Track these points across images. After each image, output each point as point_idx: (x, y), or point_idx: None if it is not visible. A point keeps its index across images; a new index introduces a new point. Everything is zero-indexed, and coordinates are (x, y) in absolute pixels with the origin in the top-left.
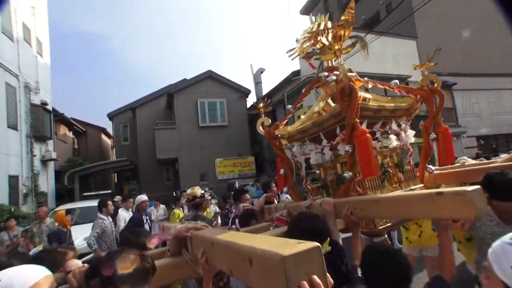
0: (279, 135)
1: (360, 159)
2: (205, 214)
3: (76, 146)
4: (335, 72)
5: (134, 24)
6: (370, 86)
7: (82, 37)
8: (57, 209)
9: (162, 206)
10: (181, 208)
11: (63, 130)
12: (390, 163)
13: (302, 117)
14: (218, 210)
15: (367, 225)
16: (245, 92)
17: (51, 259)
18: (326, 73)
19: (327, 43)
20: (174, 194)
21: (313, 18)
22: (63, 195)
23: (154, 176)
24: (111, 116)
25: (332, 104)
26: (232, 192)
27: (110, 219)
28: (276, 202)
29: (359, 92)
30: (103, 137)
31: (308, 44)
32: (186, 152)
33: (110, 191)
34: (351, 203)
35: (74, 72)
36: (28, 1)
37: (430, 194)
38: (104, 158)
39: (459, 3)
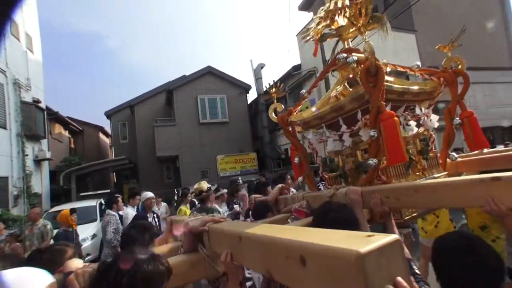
0: (292, 122)
1: (387, 144)
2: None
3: (72, 146)
4: (355, 54)
5: (133, 24)
6: (388, 69)
7: (81, 37)
8: (51, 210)
9: (164, 204)
10: (187, 205)
11: (59, 129)
12: (413, 150)
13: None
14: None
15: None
16: (246, 88)
17: (49, 258)
18: (344, 54)
19: (344, 23)
20: (176, 192)
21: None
22: (58, 196)
23: (154, 174)
24: (109, 115)
25: (350, 89)
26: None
27: (117, 217)
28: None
29: None
30: (101, 136)
31: (323, 24)
32: (186, 149)
33: (109, 191)
34: (383, 192)
35: (73, 72)
36: None
37: (483, 180)
38: (102, 157)
39: None
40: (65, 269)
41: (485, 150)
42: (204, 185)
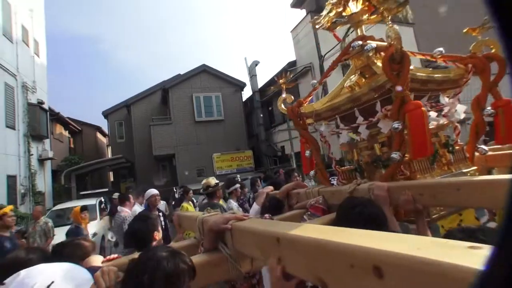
0: (303, 113)
1: (413, 137)
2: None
3: (72, 145)
4: (371, 41)
5: (124, 26)
6: None
7: (75, 41)
8: (54, 208)
9: (163, 202)
10: (190, 202)
11: (59, 129)
12: (437, 143)
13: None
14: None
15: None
16: (241, 86)
17: (69, 252)
18: (359, 42)
19: (357, 10)
20: (174, 190)
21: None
22: (60, 195)
23: (151, 173)
24: (106, 114)
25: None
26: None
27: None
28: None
29: None
30: (98, 135)
31: (336, 10)
32: (183, 148)
33: (107, 189)
34: (417, 188)
35: (69, 74)
36: (27, 4)
37: None
38: (100, 157)
39: None
40: (86, 264)
41: None
42: (212, 180)
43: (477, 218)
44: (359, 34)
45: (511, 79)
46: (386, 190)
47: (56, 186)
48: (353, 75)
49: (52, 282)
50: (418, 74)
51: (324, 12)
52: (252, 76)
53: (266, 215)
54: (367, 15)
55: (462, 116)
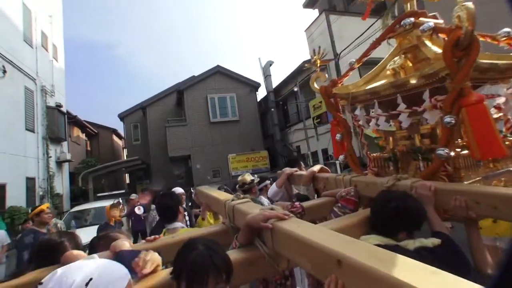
0: (337, 94)
1: (477, 135)
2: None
3: (88, 148)
4: (422, 18)
5: (139, 31)
6: None
7: (90, 46)
8: (72, 210)
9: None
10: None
11: (77, 132)
12: None
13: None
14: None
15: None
16: (255, 86)
17: (103, 244)
18: (412, 19)
19: None
20: (192, 190)
21: None
22: (77, 196)
23: (166, 174)
24: (122, 117)
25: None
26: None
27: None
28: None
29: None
30: (114, 138)
31: None
32: (198, 149)
33: (123, 191)
34: (473, 195)
35: (84, 79)
36: (47, 10)
37: None
38: (115, 159)
39: None
40: (114, 248)
41: None
42: (248, 177)
43: None
44: (409, 8)
45: None
46: (432, 191)
47: (74, 188)
48: (398, 57)
49: (91, 279)
50: (480, 61)
51: None
52: (267, 76)
53: (297, 204)
54: None
55: None
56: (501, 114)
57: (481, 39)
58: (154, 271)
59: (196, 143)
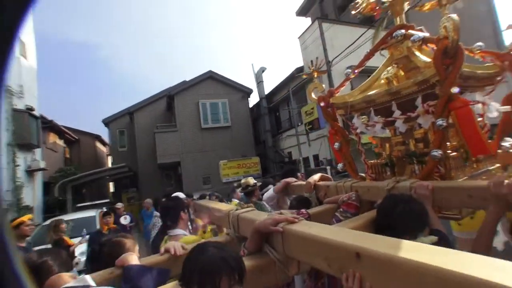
0: (334, 104)
1: (466, 135)
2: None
3: (67, 156)
4: (411, 31)
5: (126, 32)
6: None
7: (72, 47)
8: (45, 223)
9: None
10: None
11: (53, 138)
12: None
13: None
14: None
15: (449, 210)
16: (247, 92)
17: (109, 251)
18: (402, 31)
19: None
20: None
21: None
22: (53, 208)
23: (155, 182)
24: (107, 122)
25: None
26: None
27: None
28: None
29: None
30: (98, 144)
31: None
32: (188, 155)
33: (107, 200)
34: (466, 190)
35: (67, 81)
36: None
37: None
38: (99, 167)
39: None
40: (121, 262)
41: None
42: (251, 180)
43: None
44: (398, 22)
45: None
46: (430, 190)
47: (49, 199)
48: (390, 67)
49: None
50: (463, 69)
51: None
52: (259, 82)
53: (303, 210)
54: (407, 2)
55: (496, 114)
56: (480, 119)
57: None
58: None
59: (186, 149)
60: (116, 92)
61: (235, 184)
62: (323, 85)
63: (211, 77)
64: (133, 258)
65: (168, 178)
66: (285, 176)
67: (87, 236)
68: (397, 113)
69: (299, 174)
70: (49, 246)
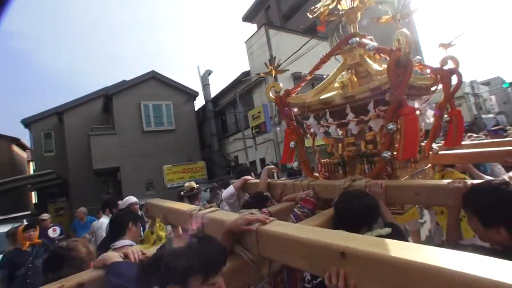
0: (291, 104)
1: (406, 138)
2: None
3: None
4: (364, 40)
5: (53, 23)
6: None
7: None
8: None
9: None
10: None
11: None
12: None
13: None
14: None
15: (393, 206)
16: (193, 95)
17: (73, 259)
18: (357, 38)
19: (353, 5)
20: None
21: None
22: None
23: (89, 189)
24: (28, 123)
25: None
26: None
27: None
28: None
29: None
30: (15, 148)
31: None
32: (129, 160)
33: (29, 212)
34: (414, 188)
35: None
36: None
37: None
38: (17, 174)
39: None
40: (99, 262)
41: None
42: (194, 184)
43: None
44: (352, 30)
45: None
46: (384, 188)
47: None
48: (345, 72)
49: None
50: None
51: (321, 3)
52: (205, 85)
53: (265, 209)
54: (360, 12)
55: (432, 119)
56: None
57: None
58: None
59: (126, 154)
60: (41, 89)
61: (184, 190)
62: (281, 85)
63: (154, 78)
64: (117, 256)
65: (105, 185)
66: (241, 175)
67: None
68: (350, 115)
69: (252, 173)
70: None
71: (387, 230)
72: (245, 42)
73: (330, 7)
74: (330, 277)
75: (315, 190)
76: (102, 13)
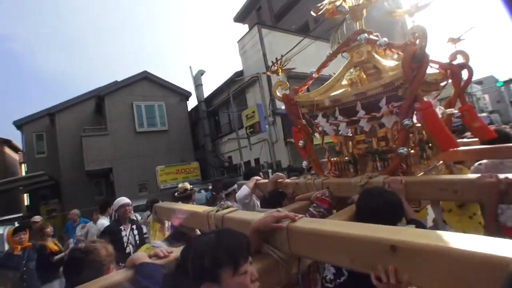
0: (298, 102)
1: (433, 133)
2: None
3: None
4: (372, 36)
5: (47, 26)
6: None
7: None
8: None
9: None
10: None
11: None
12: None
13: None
14: None
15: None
16: (186, 95)
17: (91, 261)
18: (365, 35)
19: (359, 2)
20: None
21: None
22: None
23: (82, 191)
24: (20, 125)
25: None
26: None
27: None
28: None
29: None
30: (7, 150)
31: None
32: (122, 161)
33: (20, 215)
34: (438, 184)
35: None
36: None
37: None
38: (9, 176)
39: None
40: (133, 262)
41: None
42: (187, 185)
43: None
44: (358, 27)
45: None
46: (404, 184)
47: None
48: (352, 69)
49: None
50: None
51: (326, 0)
52: (198, 85)
53: (281, 209)
54: (366, 9)
55: (440, 116)
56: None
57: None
58: None
59: (119, 155)
60: (33, 90)
61: (178, 192)
62: (288, 83)
63: (146, 78)
64: (146, 256)
65: (98, 186)
66: (248, 176)
67: None
68: (361, 112)
69: (260, 173)
70: None
71: (412, 226)
72: (237, 42)
73: (336, 4)
74: (375, 276)
75: (329, 189)
76: (95, 16)
